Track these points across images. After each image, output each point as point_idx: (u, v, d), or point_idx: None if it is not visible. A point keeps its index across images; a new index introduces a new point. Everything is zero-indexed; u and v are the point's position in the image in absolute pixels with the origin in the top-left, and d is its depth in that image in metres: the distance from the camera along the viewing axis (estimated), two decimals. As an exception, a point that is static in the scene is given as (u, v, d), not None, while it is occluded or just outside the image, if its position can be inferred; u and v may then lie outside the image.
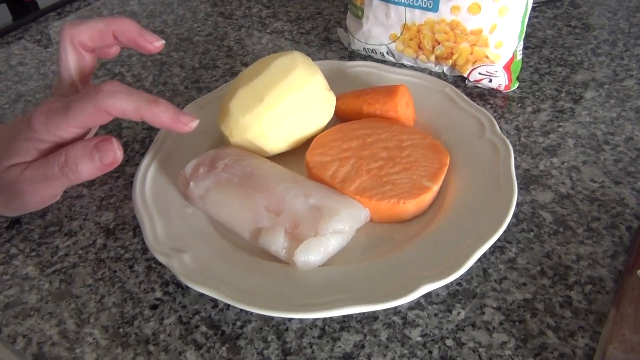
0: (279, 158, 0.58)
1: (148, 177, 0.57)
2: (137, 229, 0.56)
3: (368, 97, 0.61)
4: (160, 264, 0.51)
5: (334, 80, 0.65)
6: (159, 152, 0.59)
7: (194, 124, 0.49)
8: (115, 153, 0.48)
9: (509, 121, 0.65)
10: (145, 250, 0.53)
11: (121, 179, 0.62)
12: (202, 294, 0.48)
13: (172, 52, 0.83)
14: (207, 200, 0.50)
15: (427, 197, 0.52)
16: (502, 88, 0.68)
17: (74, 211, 0.58)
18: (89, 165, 0.47)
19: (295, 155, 0.59)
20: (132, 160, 0.65)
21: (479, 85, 0.70)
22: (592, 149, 0.61)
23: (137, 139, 0.68)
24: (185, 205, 0.54)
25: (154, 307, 0.48)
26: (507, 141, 0.56)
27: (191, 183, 0.51)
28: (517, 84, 0.69)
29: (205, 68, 0.79)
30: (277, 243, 0.47)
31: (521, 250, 0.51)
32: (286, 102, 0.55)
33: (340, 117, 0.62)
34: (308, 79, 0.57)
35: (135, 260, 0.53)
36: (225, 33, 0.87)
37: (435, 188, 0.52)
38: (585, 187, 0.56)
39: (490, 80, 0.68)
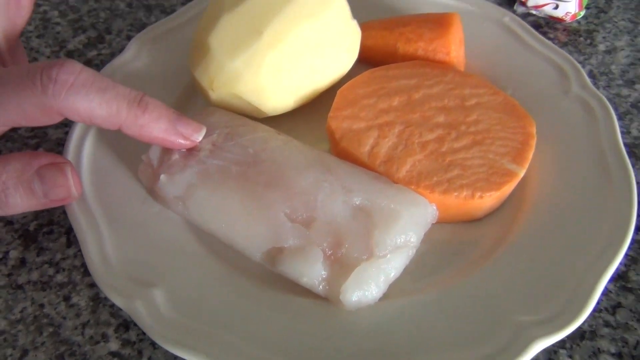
0: (282, 122, 0.40)
1: (85, 149, 0.37)
2: (72, 232, 0.37)
3: (406, 31, 0.42)
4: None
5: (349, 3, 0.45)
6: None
7: (199, 135, 0.33)
8: (68, 189, 0.31)
9: (579, 64, 0.48)
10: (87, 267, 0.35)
11: (42, 150, 0.42)
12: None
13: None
14: (191, 204, 0.32)
15: (510, 187, 0.36)
16: (568, 17, 0.51)
17: (-30, 202, 0.38)
18: (26, 199, 0.29)
19: (305, 116, 0.41)
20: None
21: (534, 13, 0.52)
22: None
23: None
24: (147, 201, 0.35)
25: (109, 370, 0.31)
26: (604, 99, 0.40)
27: (162, 176, 0.32)
28: (583, 13, 0.52)
29: (154, -24, 0.57)
30: (313, 272, 0.30)
31: (632, 260, 0.37)
32: (295, 36, 0.37)
33: (363, 58, 0.44)
34: (325, 3, 0.38)
35: (74, 287, 0.34)
36: None
37: (522, 173, 0.36)
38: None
39: (556, 7, 0.50)
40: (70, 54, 0.49)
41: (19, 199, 0.29)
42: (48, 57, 0.48)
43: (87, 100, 0.28)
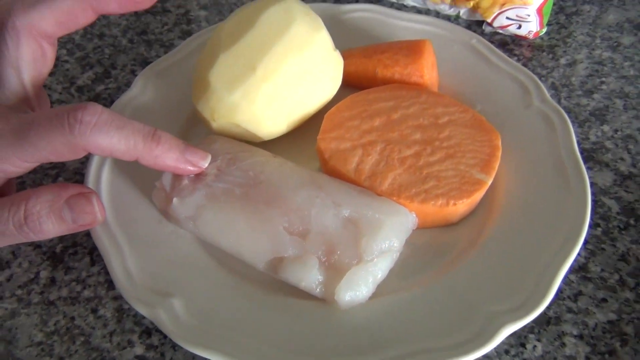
0: (277, 145, 0.45)
1: (103, 178, 0.42)
2: (94, 252, 0.41)
3: (383, 57, 0.47)
4: (136, 305, 0.38)
5: (331, 34, 0.49)
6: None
7: (206, 162, 0.38)
8: (94, 215, 0.35)
9: (542, 78, 0.54)
10: (111, 283, 0.39)
11: (61, 179, 0.46)
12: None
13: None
14: (200, 223, 0.36)
15: (480, 194, 0.40)
16: (531, 35, 0.56)
17: (1, 229, 0.43)
18: (57, 225, 0.34)
19: (297, 139, 0.46)
20: (72, 148, 0.48)
21: (501, 32, 0.58)
22: (645, 111, 0.51)
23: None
24: (162, 221, 0.40)
25: (136, 371, 0.36)
26: (562, 111, 0.45)
27: (174, 199, 0.37)
28: (545, 30, 0.57)
29: (152, 13, 0.62)
30: (310, 277, 0.34)
31: (591, 253, 0.41)
32: (285, 70, 0.41)
33: (346, 83, 0.48)
34: (312, 37, 0.43)
35: (100, 300, 0.39)
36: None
37: (490, 181, 0.41)
38: (647, 163, 0.47)
39: (519, 27, 0.55)
40: (80, 90, 0.53)
41: (51, 226, 0.33)
42: (60, 93, 0.53)
43: (108, 137, 0.33)
